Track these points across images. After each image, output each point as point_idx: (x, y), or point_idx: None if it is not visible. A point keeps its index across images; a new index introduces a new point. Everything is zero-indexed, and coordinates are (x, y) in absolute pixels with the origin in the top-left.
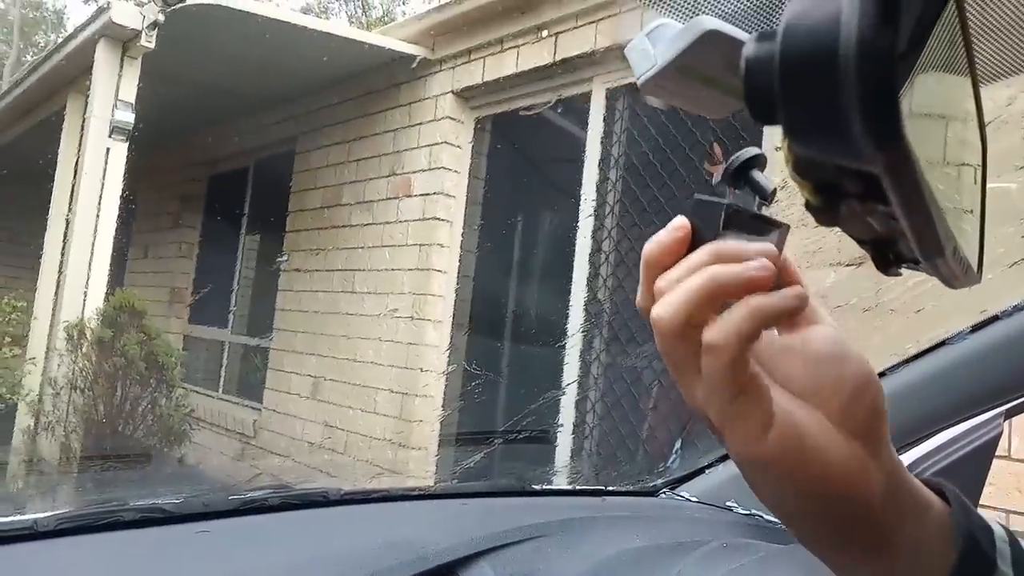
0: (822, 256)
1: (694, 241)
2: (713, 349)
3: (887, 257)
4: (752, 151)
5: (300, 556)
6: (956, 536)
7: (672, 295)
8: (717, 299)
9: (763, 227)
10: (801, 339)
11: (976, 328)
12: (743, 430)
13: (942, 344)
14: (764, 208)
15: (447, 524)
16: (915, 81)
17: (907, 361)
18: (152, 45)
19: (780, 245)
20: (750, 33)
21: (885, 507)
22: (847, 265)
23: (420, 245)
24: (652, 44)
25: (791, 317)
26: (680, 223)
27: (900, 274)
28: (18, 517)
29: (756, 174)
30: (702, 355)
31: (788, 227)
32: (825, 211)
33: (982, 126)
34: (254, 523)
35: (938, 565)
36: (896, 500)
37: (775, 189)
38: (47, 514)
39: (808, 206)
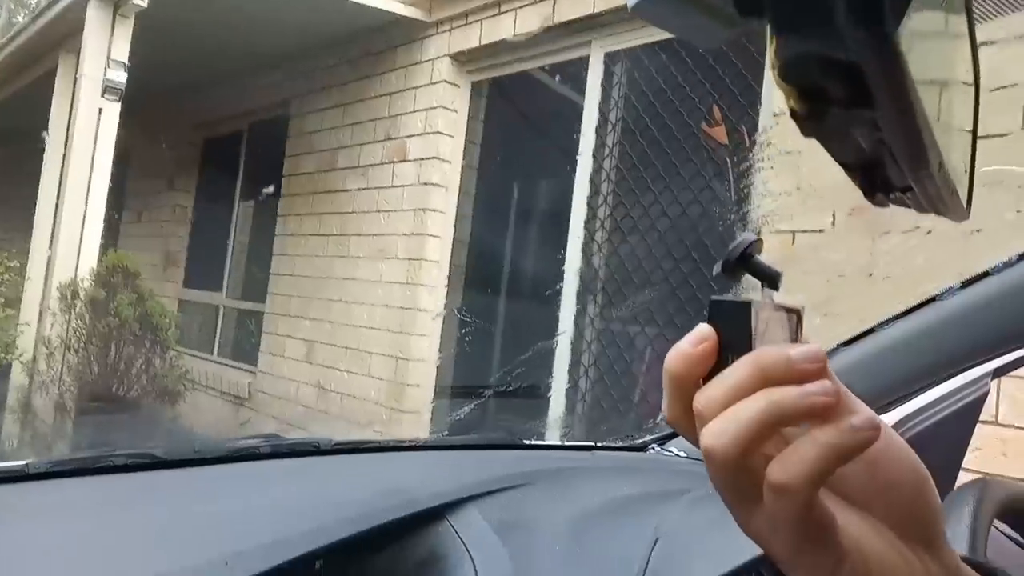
0: None
1: (721, 346)
2: (783, 490)
3: (875, 182)
4: (749, 238)
5: (288, 500)
6: None
7: (724, 424)
8: (778, 428)
9: (783, 315)
10: None
11: (966, 284)
12: (813, 568)
13: (932, 300)
14: (773, 294)
15: (437, 472)
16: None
17: (897, 317)
18: (144, 4)
19: (800, 330)
20: None
21: None
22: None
23: (415, 210)
24: None
25: (865, 450)
26: (704, 332)
27: (887, 204)
28: (10, 463)
29: (759, 260)
30: (768, 493)
31: (804, 308)
32: (810, 119)
33: (975, 56)
34: (244, 470)
35: None
36: None
37: (781, 273)
38: (39, 460)
39: (793, 114)
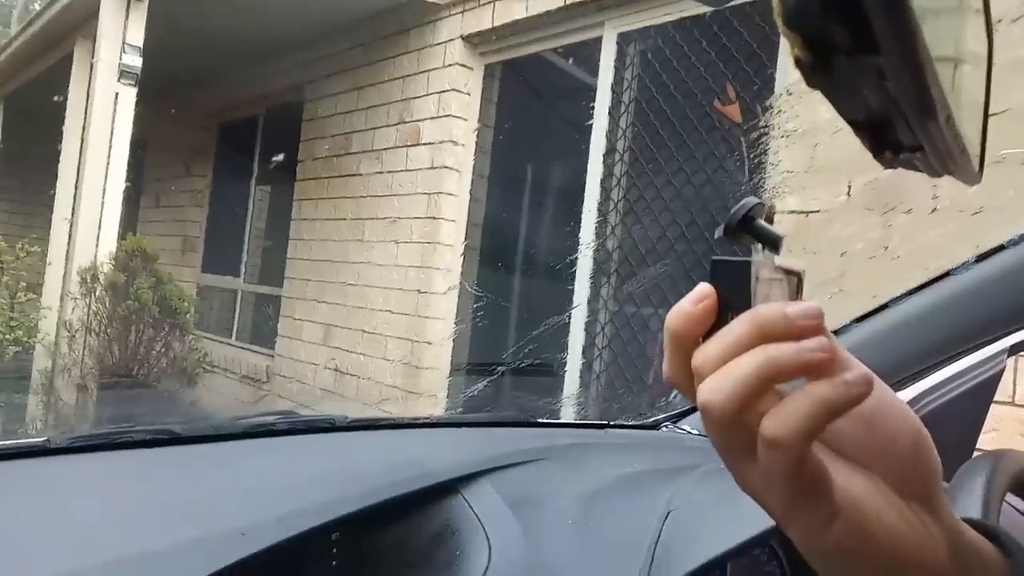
0: None
1: (721, 306)
2: (776, 444)
3: (883, 140)
4: (752, 201)
5: (304, 474)
6: None
7: (720, 379)
8: (773, 383)
9: (784, 276)
10: None
11: (981, 258)
12: (806, 525)
13: (947, 275)
14: (774, 256)
15: (451, 448)
16: None
17: (911, 292)
18: None
19: (800, 293)
20: None
21: (952, 568)
22: None
23: (429, 194)
24: None
25: (857, 405)
26: (705, 291)
27: (896, 165)
28: (33, 439)
29: (761, 224)
30: (761, 447)
31: (804, 271)
32: (815, 69)
33: (988, 23)
34: (261, 445)
35: None
36: (959, 560)
37: (783, 235)
38: (60, 435)
39: (798, 64)
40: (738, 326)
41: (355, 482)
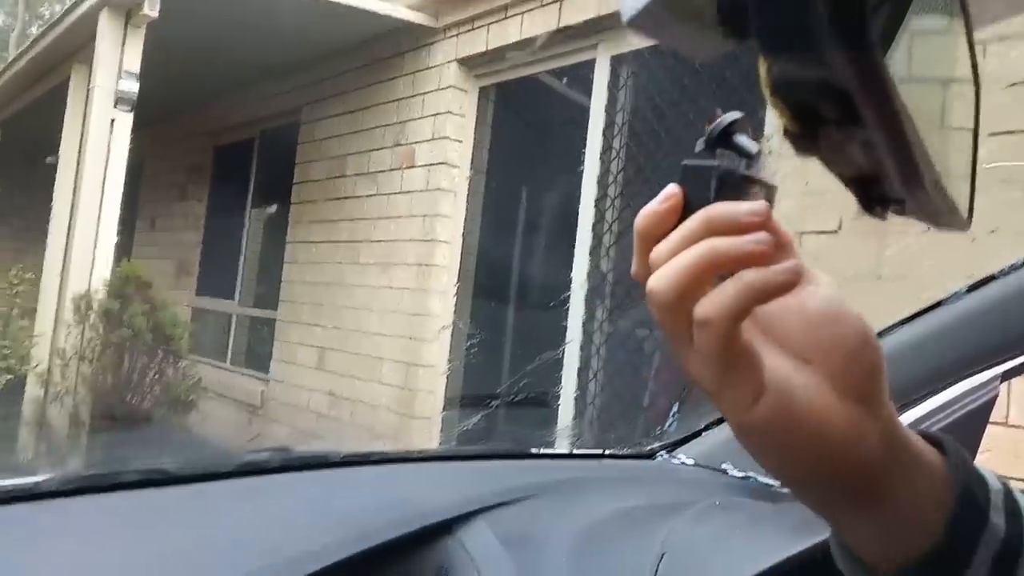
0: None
1: (686, 208)
2: (704, 324)
3: (871, 195)
4: (734, 115)
5: (298, 516)
6: (951, 488)
7: (667, 268)
8: (712, 273)
9: (753, 188)
10: (797, 299)
11: (972, 288)
12: (734, 400)
13: (938, 304)
14: (751, 168)
15: (445, 484)
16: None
17: (903, 322)
18: (155, 14)
19: (770, 204)
20: None
21: (881, 464)
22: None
23: (424, 216)
24: None
25: (785, 293)
26: (671, 191)
27: (885, 217)
28: (21, 480)
29: (740, 137)
30: (695, 328)
31: (776, 187)
32: (803, 138)
33: (973, 55)
34: (254, 484)
35: (934, 517)
36: (892, 456)
37: (760, 150)
38: (49, 476)
39: (786, 133)
40: (691, 222)
41: (349, 524)
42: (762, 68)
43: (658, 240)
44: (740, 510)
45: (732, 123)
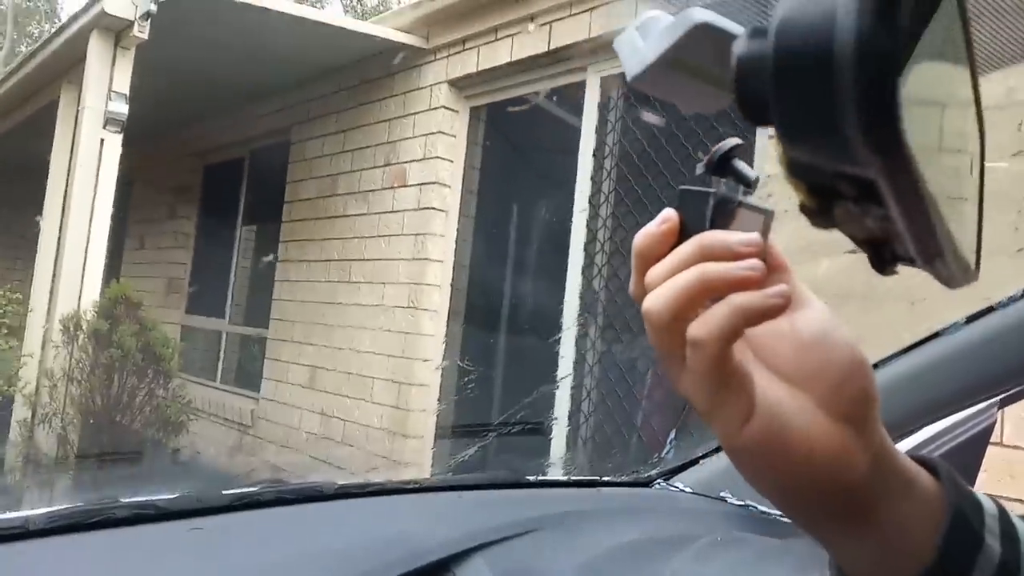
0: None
1: (683, 231)
2: (696, 345)
3: (884, 256)
4: (733, 141)
5: (294, 553)
6: (944, 511)
7: (662, 289)
8: (705, 296)
9: (749, 214)
10: (789, 322)
11: (971, 319)
12: (725, 420)
13: (936, 335)
14: (748, 195)
15: (442, 518)
16: (910, 70)
17: (901, 352)
18: (145, 36)
19: (766, 231)
20: (743, 26)
21: (871, 487)
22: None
23: (416, 235)
24: (642, 37)
25: (774, 316)
26: (668, 214)
27: (896, 272)
28: (9, 515)
29: (738, 163)
30: (688, 348)
31: (773, 212)
32: (820, 214)
33: (980, 115)
34: (248, 519)
35: (926, 541)
36: (883, 480)
37: (758, 177)
38: (38, 512)
39: (803, 208)
40: (685, 247)
41: (346, 563)
42: (777, 146)
43: (655, 261)
44: (743, 546)
45: (731, 149)
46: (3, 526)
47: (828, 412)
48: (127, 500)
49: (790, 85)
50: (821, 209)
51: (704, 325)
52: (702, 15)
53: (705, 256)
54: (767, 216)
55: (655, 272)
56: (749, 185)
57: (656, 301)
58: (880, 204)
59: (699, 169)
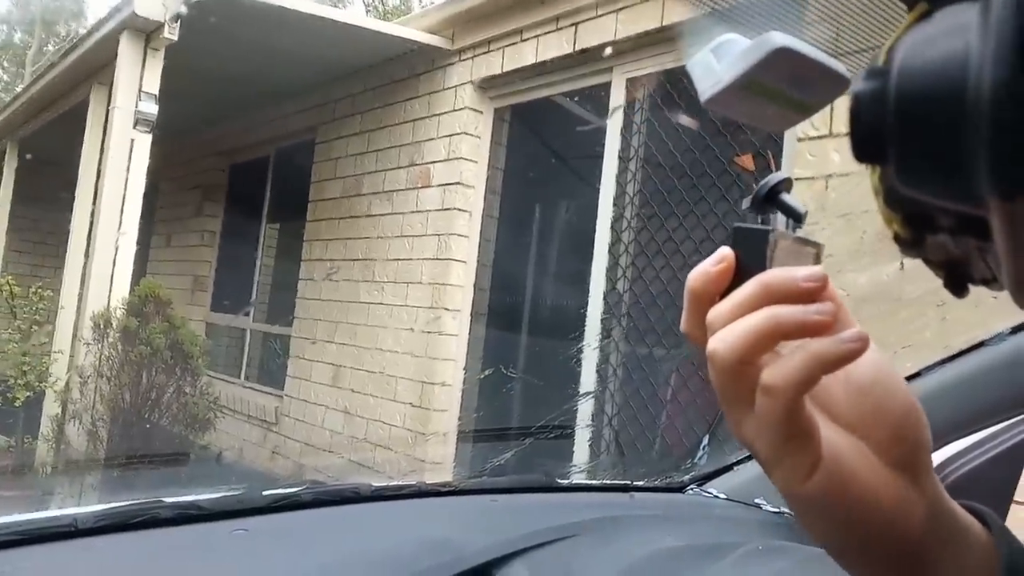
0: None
1: (739, 269)
2: (770, 391)
3: (960, 278)
4: (780, 175)
5: (338, 555)
6: (999, 562)
7: (729, 331)
8: (776, 341)
9: (802, 248)
10: (845, 367)
11: (1016, 330)
12: (790, 470)
13: (980, 345)
14: (798, 230)
15: (479, 522)
16: None
17: (944, 361)
18: (175, 37)
19: (818, 264)
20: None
21: (926, 536)
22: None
23: (439, 235)
24: (717, 59)
25: (850, 362)
26: (724, 253)
27: (966, 294)
28: (58, 512)
29: (786, 197)
30: (758, 395)
31: (823, 246)
32: (912, 244)
33: None
34: (289, 520)
35: None
36: (938, 528)
37: (806, 211)
38: (86, 510)
39: (896, 238)
40: (749, 287)
41: (390, 565)
42: (873, 177)
43: (710, 300)
44: (784, 555)
45: (779, 184)
46: (52, 525)
47: (885, 460)
48: (171, 500)
49: (913, 125)
50: (914, 239)
51: (779, 372)
52: (781, 39)
53: (772, 297)
54: (819, 250)
55: (718, 313)
56: (799, 220)
57: (722, 344)
58: (982, 238)
59: (745, 204)
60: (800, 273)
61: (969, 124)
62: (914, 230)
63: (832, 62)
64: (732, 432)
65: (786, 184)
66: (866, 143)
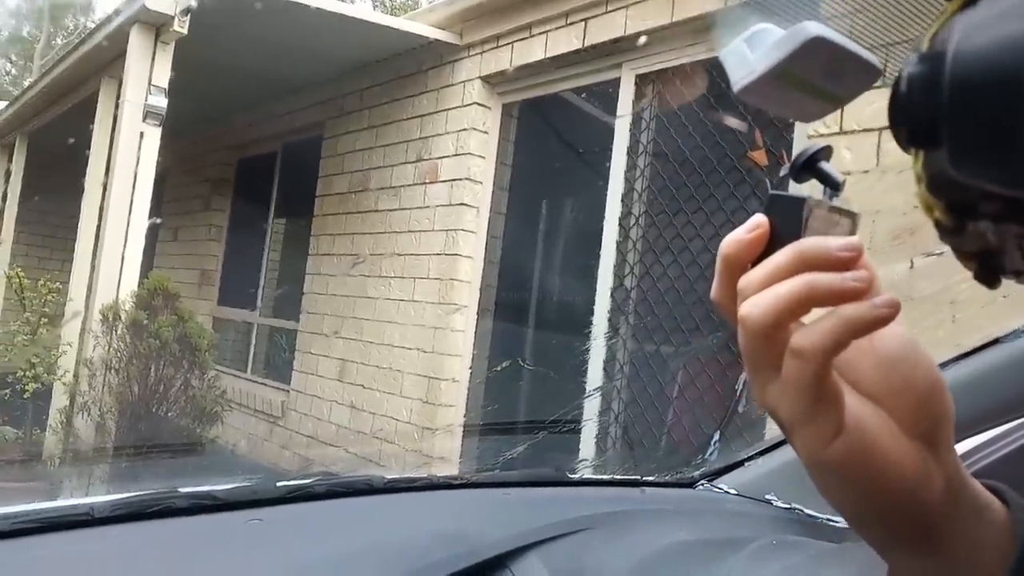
0: None
1: (772, 237)
2: (800, 354)
3: (993, 269)
4: (819, 144)
5: (352, 546)
6: (1015, 536)
7: (763, 296)
8: (809, 307)
9: (839, 217)
10: (872, 339)
11: None
12: (813, 435)
13: (995, 342)
14: (836, 198)
15: (492, 514)
16: None
17: (959, 358)
18: (185, 31)
19: (853, 234)
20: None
21: (944, 509)
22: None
23: (447, 230)
24: (751, 49)
25: (881, 328)
26: (759, 220)
27: (998, 286)
28: (76, 501)
29: (825, 165)
30: (786, 358)
31: (859, 215)
32: (953, 231)
33: None
34: (303, 511)
35: (996, 565)
36: (955, 502)
37: (844, 180)
38: (102, 499)
39: (937, 225)
40: (783, 254)
41: (404, 556)
42: (916, 164)
43: (742, 268)
44: (798, 550)
45: (818, 151)
46: (69, 513)
47: (908, 431)
48: (186, 490)
49: (969, 108)
50: (955, 226)
51: (810, 336)
52: (816, 29)
53: (807, 264)
54: (855, 219)
55: (751, 278)
56: (837, 188)
57: (755, 308)
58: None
59: (783, 171)
60: (835, 243)
61: None
62: (956, 217)
63: (865, 53)
64: (755, 397)
65: (826, 152)
66: (918, 127)
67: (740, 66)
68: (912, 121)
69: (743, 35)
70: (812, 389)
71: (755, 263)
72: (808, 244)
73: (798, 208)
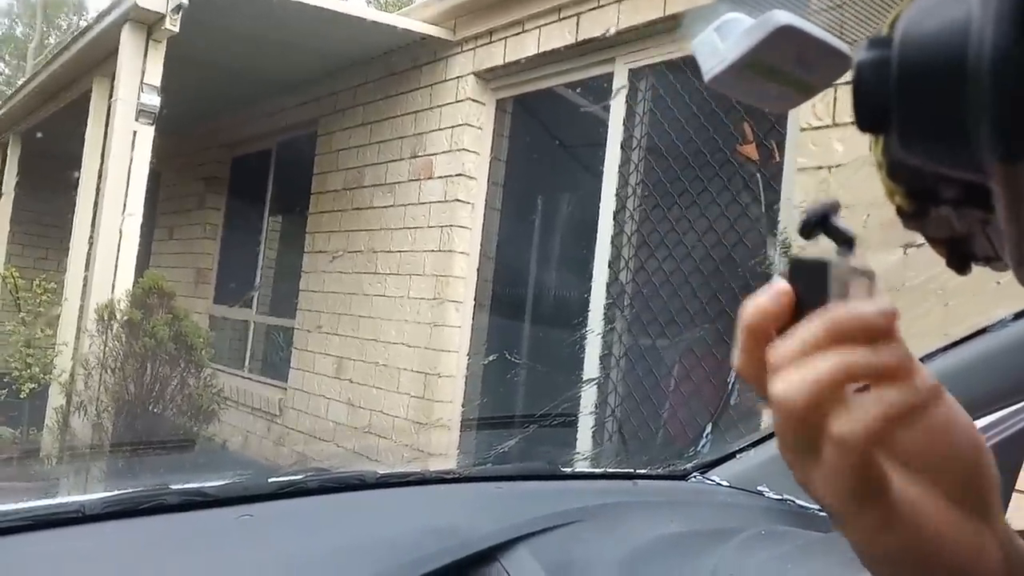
0: None
1: (798, 305)
2: (842, 444)
3: (962, 255)
4: (828, 201)
5: (343, 541)
6: None
7: (796, 375)
8: (845, 385)
9: (858, 279)
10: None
11: (1018, 316)
12: (864, 524)
13: (983, 331)
14: (851, 256)
15: (484, 508)
16: None
17: (947, 348)
18: (177, 29)
19: (872, 293)
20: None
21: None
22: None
23: (442, 227)
24: (721, 38)
25: (926, 413)
26: (783, 288)
27: (968, 272)
28: (66, 499)
29: (836, 221)
30: (827, 446)
31: (875, 274)
32: (914, 216)
33: None
34: (294, 507)
35: None
36: (1014, 567)
37: (855, 235)
38: (93, 496)
39: (899, 211)
40: (814, 325)
41: (394, 552)
42: (876, 150)
43: (768, 338)
44: (787, 539)
45: (828, 208)
46: (61, 511)
47: (959, 506)
48: (177, 487)
49: (915, 92)
50: (916, 212)
51: (853, 424)
52: (785, 17)
53: (841, 336)
54: (872, 279)
55: (782, 353)
56: (851, 246)
57: (790, 389)
58: (984, 208)
59: (797, 231)
60: (869, 309)
61: (970, 90)
62: (917, 202)
63: (835, 40)
64: (798, 482)
65: (835, 208)
66: (869, 111)
67: (711, 56)
68: (864, 106)
69: (713, 24)
70: (858, 478)
71: (779, 331)
72: (841, 315)
73: (822, 273)
